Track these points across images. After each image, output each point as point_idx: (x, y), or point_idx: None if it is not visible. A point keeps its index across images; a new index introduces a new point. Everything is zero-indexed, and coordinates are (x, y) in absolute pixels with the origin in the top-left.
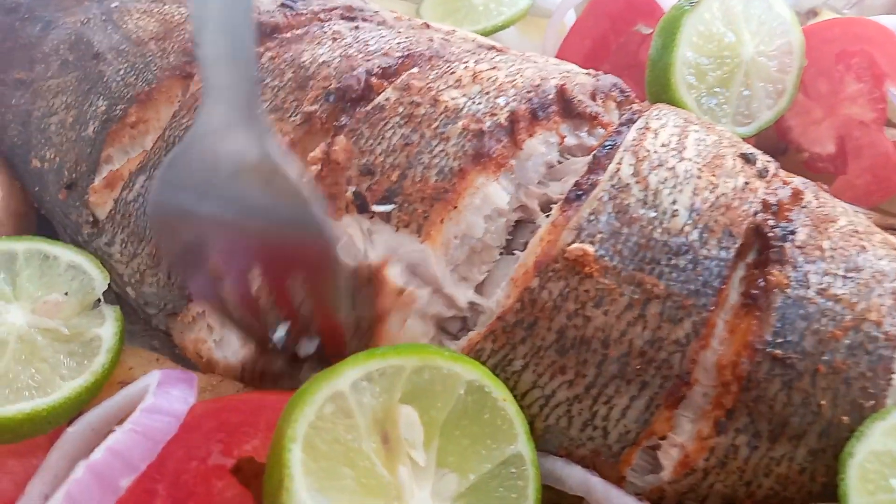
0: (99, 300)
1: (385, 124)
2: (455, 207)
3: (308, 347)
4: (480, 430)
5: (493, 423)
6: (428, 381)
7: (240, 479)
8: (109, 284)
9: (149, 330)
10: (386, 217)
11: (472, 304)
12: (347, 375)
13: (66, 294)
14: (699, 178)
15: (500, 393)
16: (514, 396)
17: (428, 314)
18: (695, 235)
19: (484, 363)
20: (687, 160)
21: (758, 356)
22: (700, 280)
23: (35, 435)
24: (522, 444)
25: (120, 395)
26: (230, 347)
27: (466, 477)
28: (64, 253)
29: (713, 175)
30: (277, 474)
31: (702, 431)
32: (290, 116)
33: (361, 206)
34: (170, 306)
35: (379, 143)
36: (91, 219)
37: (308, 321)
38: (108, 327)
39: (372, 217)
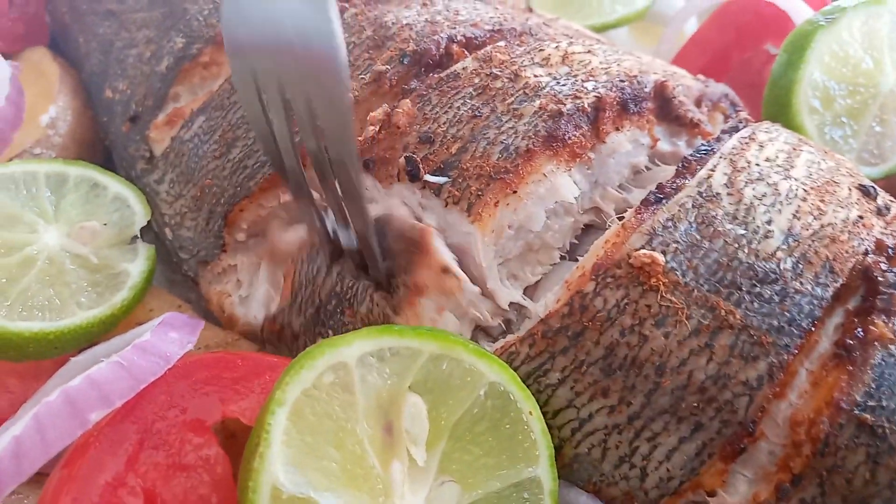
0: (136, 237)
1: (456, 93)
2: (514, 192)
3: (348, 238)
4: (497, 441)
5: (512, 437)
6: (445, 373)
7: (221, 440)
8: (149, 222)
9: (188, 282)
10: (437, 190)
11: (516, 308)
12: (357, 346)
13: (105, 224)
14: (804, 200)
15: (526, 404)
16: (544, 414)
17: (468, 314)
18: (788, 264)
19: (516, 369)
20: (793, 179)
21: (842, 417)
22: (786, 317)
23: (40, 358)
24: (543, 470)
25: (131, 333)
26: (254, 305)
27: (470, 491)
28: (113, 184)
29: (821, 201)
30: (256, 438)
31: (759, 495)
32: (360, 74)
33: (412, 173)
34: (203, 253)
35: (445, 112)
36: (147, 154)
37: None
38: (137, 264)
39: (423, 188)
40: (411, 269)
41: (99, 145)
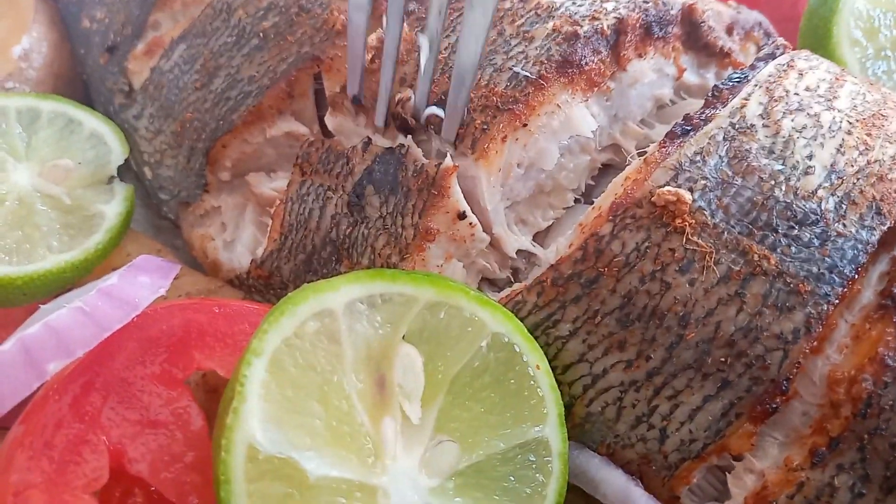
0: (113, 177)
1: (459, 16)
2: (525, 125)
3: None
4: (500, 398)
5: (517, 394)
6: (443, 322)
7: (200, 395)
8: (129, 161)
9: (174, 228)
10: (437, 126)
11: (525, 255)
12: (344, 292)
13: (80, 163)
14: (849, 133)
15: (533, 357)
16: (553, 369)
17: (476, 263)
18: (830, 204)
19: (523, 320)
20: (836, 111)
21: (887, 375)
22: (827, 263)
23: (7, 305)
24: (552, 429)
25: (103, 278)
26: (239, 250)
27: (470, 452)
28: (89, 120)
29: (868, 135)
30: (231, 391)
31: (791, 460)
32: None
33: (401, 124)
34: (183, 194)
35: (447, 37)
36: (126, 88)
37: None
38: (114, 205)
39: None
40: (426, 211)
41: (79, 81)
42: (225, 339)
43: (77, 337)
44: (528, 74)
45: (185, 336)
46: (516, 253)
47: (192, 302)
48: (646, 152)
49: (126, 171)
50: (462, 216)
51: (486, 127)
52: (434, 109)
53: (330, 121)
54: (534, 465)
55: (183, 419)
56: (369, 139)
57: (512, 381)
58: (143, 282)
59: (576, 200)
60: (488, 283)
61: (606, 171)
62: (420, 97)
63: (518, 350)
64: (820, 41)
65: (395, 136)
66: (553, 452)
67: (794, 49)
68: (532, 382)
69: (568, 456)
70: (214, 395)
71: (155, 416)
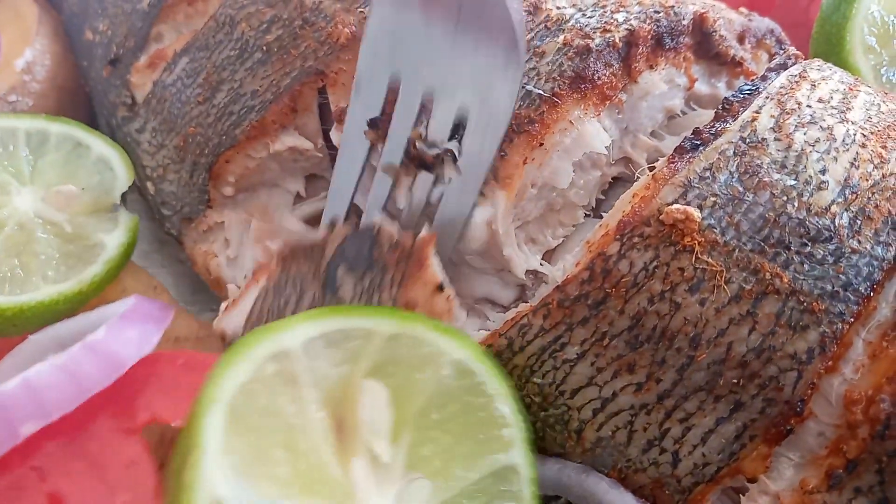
0: (118, 204)
1: None
2: (541, 145)
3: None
4: (467, 427)
5: (485, 421)
6: (405, 353)
7: (151, 446)
8: (132, 185)
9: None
10: (453, 155)
11: (532, 273)
12: (299, 331)
13: (84, 189)
14: (863, 146)
15: (496, 382)
16: (562, 393)
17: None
18: (844, 219)
19: (529, 343)
20: (850, 123)
21: None
22: (841, 280)
23: None
24: (520, 455)
25: (95, 314)
26: (243, 267)
27: (444, 486)
28: (97, 144)
29: (883, 147)
30: (187, 445)
31: (807, 482)
32: (359, 7)
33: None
34: (186, 209)
35: None
36: (129, 100)
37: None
38: (116, 236)
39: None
40: (404, 283)
41: (82, 93)
42: (181, 389)
43: (55, 398)
44: (542, 92)
45: (139, 385)
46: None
47: (157, 355)
48: (655, 166)
49: (131, 187)
50: (440, 288)
51: (504, 154)
52: (452, 144)
53: (335, 135)
54: (507, 494)
55: (134, 472)
56: (332, 223)
57: (477, 408)
58: (130, 338)
59: (586, 215)
60: (490, 303)
61: (616, 184)
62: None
63: (480, 376)
64: (833, 48)
65: (415, 173)
66: (523, 479)
67: (806, 57)
68: (497, 408)
69: (537, 481)
70: (163, 447)
71: (103, 466)
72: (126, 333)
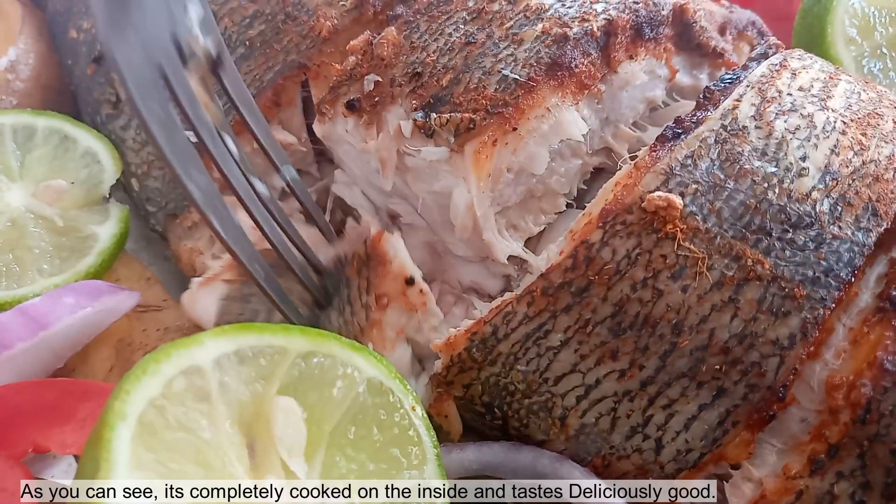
0: (108, 196)
1: (448, 18)
2: (514, 129)
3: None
4: (382, 444)
5: (398, 438)
6: (318, 371)
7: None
8: (119, 180)
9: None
10: (427, 130)
11: (517, 262)
12: (210, 347)
13: (73, 183)
14: (844, 133)
15: (408, 399)
16: (546, 380)
17: (428, 339)
18: (825, 206)
19: (513, 331)
20: (831, 111)
21: (886, 380)
22: (822, 266)
23: None
24: (432, 471)
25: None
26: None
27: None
28: (84, 137)
29: (863, 135)
30: (92, 463)
31: (790, 467)
32: (340, 1)
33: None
34: (171, 206)
35: (435, 40)
36: (113, 98)
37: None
38: (108, 227)
39: (412, 130)
40: (371, 285)
41: (67, 92)
42: (69, 415)
43: None
44: (518, 77)
45: (28, 415)
46: (508, 259)
47: (38, 381)
48: (637, 156)
49: (115, 184)
50: (410, 281)
51: (472, 126)
52: None
53: (318, 128)
54: None
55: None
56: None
57: (391, 425)
58: (67, 302)
59: (568, 205)
60: (477, 293)
61: (599, 175)
62: None
63: (394, 393)
64: (815, 40)
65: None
66: (437, 493)
67: (788, 48)
68: (409, 425)
69: (447, 492)
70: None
71: None
72: (63, 299)
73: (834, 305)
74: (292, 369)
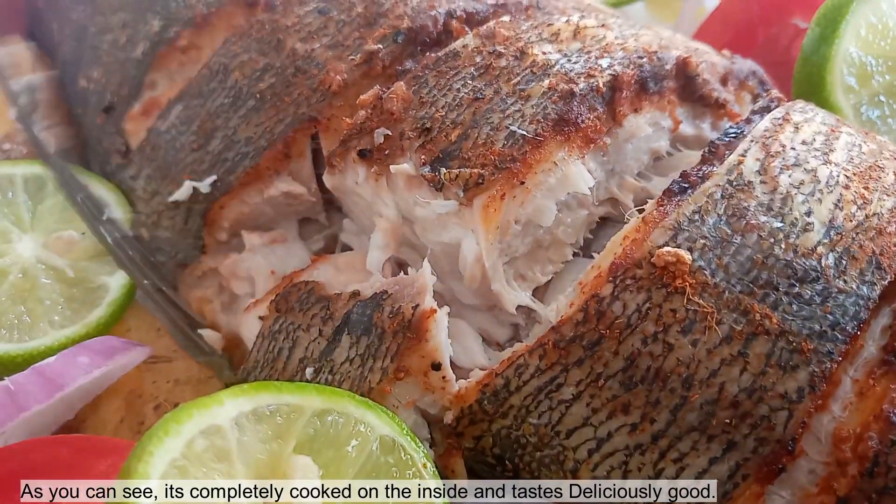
0: None
1: (456, 74)
2: (522, 183)
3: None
4: (394, 500)
5: (410, 494)
6: (333, 429)
7: None
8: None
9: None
10: (437, 184)
11: (525, 311)
12: (229, 406)
13: (83, 234)
14: (847, 188)
15: (420, 457)
16: (558, 433)
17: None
18: (830, 260)
19: (525, 383)
20: (833, 165)
21: (893, 433)
22: (829, 320)
23: None
24: None
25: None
26: (238, 313)
27: None
28: (93, 186)
29: (865, 188)
30: None
31: None
32: (350, 54)
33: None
34: (181, 255)
35: (444, 95)
36: (123, 148)
37: None
38: (118, 276)
39: (420, 184)
40: (399, 356)
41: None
42: (86, 475)
43: None
44: (525, 133)
45: (35, 471)
46: (516, 308)
47: (54, 438)
48: (644, 208)
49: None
50: (437, 367)
51: (481, 181)
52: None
53: (328, 180)
54: None
55: None
56: (358, 291)
57: (403, 482)
58: (82, 362)
59: (574, 254)
60: (484, 341)
61: (604, 224)
62: None
63: (405, 451)
64: (814, 88)
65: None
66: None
67: (788, 95)
68: (421, 482)
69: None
70: None
71: None
72: (78, 359)
73: (841, 359)
74: (308, 427)
